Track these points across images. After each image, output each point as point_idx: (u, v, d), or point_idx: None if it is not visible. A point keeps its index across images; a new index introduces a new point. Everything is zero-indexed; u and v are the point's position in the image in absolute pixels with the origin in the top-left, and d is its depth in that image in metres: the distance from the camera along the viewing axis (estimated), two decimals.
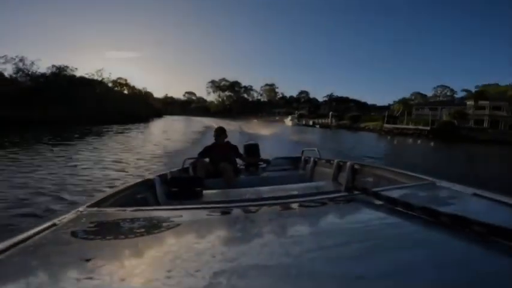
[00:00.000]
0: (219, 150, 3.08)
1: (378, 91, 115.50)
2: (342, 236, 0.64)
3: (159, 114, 45.62)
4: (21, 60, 24.80)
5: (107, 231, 0.73)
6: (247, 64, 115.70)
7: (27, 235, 0.64)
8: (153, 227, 0.72)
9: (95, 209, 0.94)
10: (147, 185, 1.81)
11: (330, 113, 45.33)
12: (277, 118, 51.57)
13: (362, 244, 0.58)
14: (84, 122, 19.46)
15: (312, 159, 3.03)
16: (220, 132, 3.21)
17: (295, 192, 2.02)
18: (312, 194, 1.55)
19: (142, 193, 1.69)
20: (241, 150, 3.31)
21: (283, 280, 0.45)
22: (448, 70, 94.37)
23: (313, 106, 64.26)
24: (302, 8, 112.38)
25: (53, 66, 28.65)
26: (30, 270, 0.51)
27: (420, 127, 29.39)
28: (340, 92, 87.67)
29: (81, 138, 13.15)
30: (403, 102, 39.02)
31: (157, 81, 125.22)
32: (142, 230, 0.69)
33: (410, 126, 30.64)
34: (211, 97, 78.47)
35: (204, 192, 2.04)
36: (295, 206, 0.88)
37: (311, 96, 74.41)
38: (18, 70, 24.48)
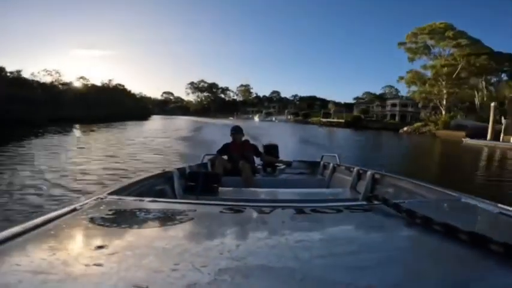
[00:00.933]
0: (237, 148, 3.18)
1: (346, 89, 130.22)
2: (353, 245, 0.64)
3: (149, 114, 53.05)
4: (57, 72, 32.62)
5: (123, 219, 0.75)
6: (224, 65, 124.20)
7: (49, 217, 0.69)
8: (167, 219, 0.74)
9: (115, 196, 0.99)
10: (165, 177, 1.91)
11: (286, 111, 59.14)
12: (250, 116, 62.00)
13: (373, 255, 0.58)
14: (115, 119, 27.46)
15: (331, 165, 3.03)
16: (237, 131, 3.29)
17: (311, 197, 2.01)
18: (328, 200, 1.55)
19: (160, 185, 1.79)
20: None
21: (287, 284, 0.44)
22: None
23: (282, 105, 74.91)
24: (279, 9, 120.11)
25: (81, 77, 38.06)
26: (45, 253, 0.52)
27: (340, 120, 43.29)
28: (313, 92, 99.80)
29: (133, 125, 22.55)
30: (334, 103, 57.30)
31: (130, 80, 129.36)
32: (157, 221, 0.73)
33: (335, 120, 44.79)
34: (190, 97, 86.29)
35: (220, 189, 2.09)
36: (309, 211, 0.86)
37: (282, 95, 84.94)
38: (55, 80, 31.85)
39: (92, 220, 0.70)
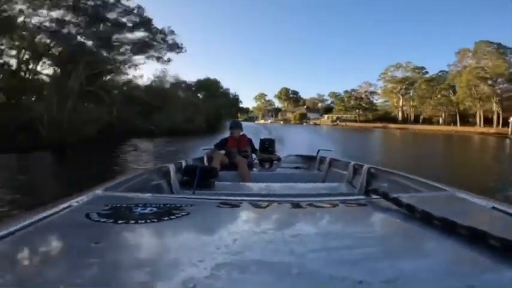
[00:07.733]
0: (234, 143, 3.17)
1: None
2: (350, 239, 0.64)
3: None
4: None
5: (119, 215, 0.74)
6: None
7: (44, 214, 0.67)
8: (164, 214, 0.74)
9: (111, 192, 0.98)
10: (162, 172, 1.90)
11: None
12: None
13: (369, 249, 0.58)
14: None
15: (327, 159, 3.02)
16: (235, 125, 3.29)
17: (308, 192, 2.01)
18: (324, 195, 1.54)
19: (157, 180, 1.78)
20: (256, 145, 3.40)
21: (283, 278, 0.45)
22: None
23: None
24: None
25: None
26: (41, 250, 0.53)
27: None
28: None
29: None
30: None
31: None
32: (153, 216, 0.71)
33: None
34: None
35: (217, 183, 2.12)
36: (305, 205, 0.86)
37: None
38: None
39: (88, 216, 0.68)
